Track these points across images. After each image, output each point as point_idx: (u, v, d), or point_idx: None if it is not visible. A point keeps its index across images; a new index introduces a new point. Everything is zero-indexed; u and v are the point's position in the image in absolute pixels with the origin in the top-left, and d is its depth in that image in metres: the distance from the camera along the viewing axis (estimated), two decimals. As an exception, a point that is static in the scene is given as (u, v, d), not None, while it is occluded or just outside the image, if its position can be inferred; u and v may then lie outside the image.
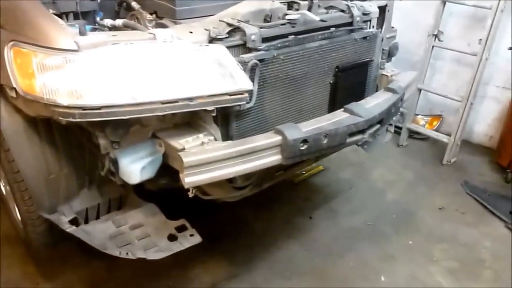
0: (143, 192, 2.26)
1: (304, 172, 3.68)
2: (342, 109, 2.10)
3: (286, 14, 2.14)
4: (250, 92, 1.85)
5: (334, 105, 2.37)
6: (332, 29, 2.26)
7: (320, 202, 3.43)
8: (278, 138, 1.84)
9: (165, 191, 2.14)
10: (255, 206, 3.24)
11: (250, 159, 1.81)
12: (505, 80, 3.96)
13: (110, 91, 1.61)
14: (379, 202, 3.47)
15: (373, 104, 2.17)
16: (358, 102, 2.15)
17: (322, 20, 2.10)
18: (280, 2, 2.17)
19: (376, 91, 2.67)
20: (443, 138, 3.98)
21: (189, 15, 2.10)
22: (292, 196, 3.47)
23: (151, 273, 2.64)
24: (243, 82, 1.80)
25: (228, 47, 1.90)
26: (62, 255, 2.66)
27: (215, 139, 1.88)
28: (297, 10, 2.21)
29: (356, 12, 2.38)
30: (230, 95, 1.79)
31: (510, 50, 3.62)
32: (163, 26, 2.09)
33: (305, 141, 1.86)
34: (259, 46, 1.95)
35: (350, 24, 2.38)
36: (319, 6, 2.33)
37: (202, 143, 1.84)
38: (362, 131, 2.07)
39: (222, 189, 2.06)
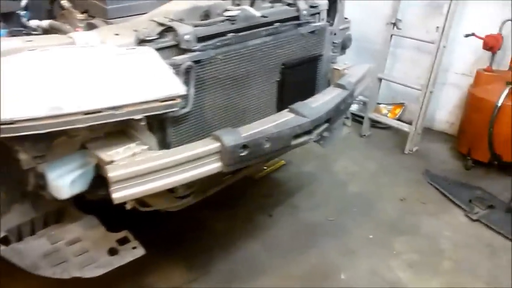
0: (85, 203, 2.11)
1: (265, 168, 3.56)
2: (287, 109, 1.97)
3: (227, 10, 1.99)
4: (183, 97, 1.70)
5: (282, 103, 2.24)
6: (277, 24, 2.12)
7: (282, 198, 3.32)
8: (216, 145, 1.71)
9: (108, 201, 1.99)
10: (215, 206, 3.11)
11: (187, 169, 1.68)
12: (464, 67, 3.89)
13: (25, 103, 1.45)
14: (341, 195, 3.38)
15: (320, 102, 2.04)
16: (304, 101, 2.02)
17: (263, 16, 1.95)
18: (219, -2, 2.01)
19: (328, 86, 2.55)
20: (404, 127, 3.91)
21: (121, 13, 1.94)
22: (253, 193, 3.36)
23: (103, 283, 2.49)
24: (175, 87, 1.65)
25: (159, 49, 1.75)
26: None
27: (149, 149, 1.73)
28: (238, 5, 2.06)
29: (302, 5, 2.24)
30: (161, 101, 1.64)
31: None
32: (93, 26, 1.92)
33: (245, 146, 1.73)
34: (194, 47, 1.80)
35: (297, 18, 2.24)
36: (263, 0, 2.18)
37: (134, 154, 1.69)
38: (308, 132, 1.94)
39: (163, 199, 1.92)
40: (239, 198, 3.27)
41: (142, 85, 1.61)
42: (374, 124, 4.21)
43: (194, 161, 1.68)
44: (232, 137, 1.72)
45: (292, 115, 1.93)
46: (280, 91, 2.23)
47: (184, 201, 2.00)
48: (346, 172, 3.66)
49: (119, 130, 1.77)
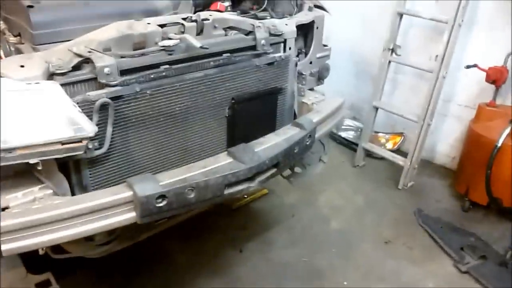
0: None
1: (245, 196, 3.29)
2: (226, 152, 1.71)
3: (165, 39, 1.75)
4: (92, 138, 1.47)
5: (234, 141, 1.98)
6: (225, 55, 1.86)
7: (256, 232, 3.06)
8: (127, 194, 1.47)
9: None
10: (183, 236, 2.88)
11: (93, 219, 1.45)
12: (467, 98, 3.52)
13: None
14: (321, 232, 3.08)
15: (268, 145, 1.78)
16: (249, 144, 1.76)
17: (203, 47, 1.70)
18: (160, 25, 1.78)
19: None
20: (399, 160, 3.56)
21: (50, 39, 1.72)
22: (228, 224, 3.10)
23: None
24: (80, 127, 1.42)
25: (75, 83, 1.53)
26: None
27: (54, 193, 1.51)
28: (182, 32, 1.82)
29: (260, 34, 1.98)
30: (63, 143, 1.41)
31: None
32: (20, 51, 1.73)
33: (163, 196, 1.48)
34: (114, 81, 1.56)
35: (253, 48, 1.98)
36: (215, 27, 1.93)
37: (34, 199, 1.47)
38: (248, 179, 1.68)
39: (80, 246, 1.70)
40: (212, 229, 3.02)
41: (39, 125, 1.39)
42: (370, 153, 3.88)
43: (102, 210, 1.45)
44: (147, 185, 1.48)
45: (229, 160, 1.67)
46: (230, 128, 1.97)
47: (106, 248, 1.76)
48: (331, 206, 3.35)
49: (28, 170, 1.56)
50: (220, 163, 1.64)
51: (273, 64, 2.03)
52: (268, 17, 2.34)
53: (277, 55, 2.04)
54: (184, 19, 1.85)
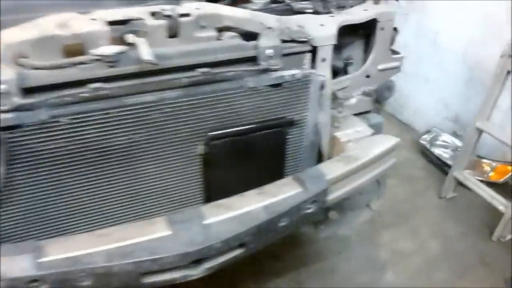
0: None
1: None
2: (163, 220, 1.14)
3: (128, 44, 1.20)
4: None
5: (214, 191, 1.39)
6: (200, 71, 1.25)
7: (287, 267, 2.45)
8: (-10, 272, 1.00)
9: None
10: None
11: None
12: None
13: None
14: (369, 283, 2.36)
15: (232, 215, 1.16)
16: (199, 210, 1.17)
17: (149, 62, 1.11)
18: (115, 21, 1.22)
19: (320, 161, 1.58)
20: (499, 204, 2.60)
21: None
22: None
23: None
24: None
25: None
26: None
27: None
28: (145, 33, 1.25)
29: (265, 40, 1.31)
30: None
31: None
32: None
33: (35, 281, 0.99)
34: (8, 105, 1.07)
35: (253, 60, 1.33)
36: (202, 26, 1.31)
37: None
38: (187, 266, 1.10)
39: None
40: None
41: None
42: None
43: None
44: (19, 262, 1.00)
45: (163, 233, 1.10)
46: (207, 170, 1.38)
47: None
48: (394, 248, 2.58)
49: None
50: (144, 238, 1.08)
51: (281, 86, 1.36)
52: (310, 10, 1.63)
53: (288, 72, 1.36)
54: (153, 13, 1.27)
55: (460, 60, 3.14)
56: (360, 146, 1.52)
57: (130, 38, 1.21)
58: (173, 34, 1.29)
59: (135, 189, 1.32)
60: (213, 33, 1.34)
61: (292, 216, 1.22)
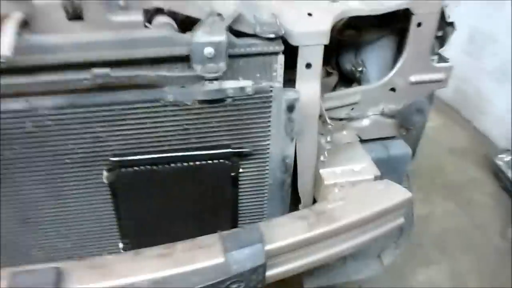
0: None
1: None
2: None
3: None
4: None
5: (127, 227, 1.02)
6: (95, 72, 0.84)
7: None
8: None
9: None
10: None
11: None
12: None
13: None
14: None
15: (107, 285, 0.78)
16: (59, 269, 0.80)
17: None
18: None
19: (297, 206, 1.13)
20: None
21: None
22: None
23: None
24: None
25: None
26: None
27: None
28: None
29: (200, 35, 0.87)
30: None
31: None
32: None
33: None
34: None
35: (181, 60, 0.90)
36: (121, 7, 0.90)
37: None
38: None
39: None
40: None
41: None
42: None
43: None
44: None
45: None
46: (116, 202, 1.00)
47: None
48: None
49: None
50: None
51: (224, 102, 0.91)
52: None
53: (233, 84, 0.90)
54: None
55: None
56: (349, 196, 1.03)
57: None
58: (71, 16, 0.89)
59: (22, 215, 0.99)
60: (137, 17, 0.92)
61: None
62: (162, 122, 0.91)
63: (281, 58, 0.97)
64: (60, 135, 0.89)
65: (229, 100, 0.91)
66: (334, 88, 1.31)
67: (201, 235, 1.05)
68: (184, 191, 1.00)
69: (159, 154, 0.94)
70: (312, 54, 0.99)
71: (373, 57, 1.23)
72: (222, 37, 0.88)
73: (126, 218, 1.02)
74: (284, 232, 0.92)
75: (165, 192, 1.00)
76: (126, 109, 0.88)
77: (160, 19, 0.94)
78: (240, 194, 1.07)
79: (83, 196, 0.99)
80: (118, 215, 1.02)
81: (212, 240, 0.89)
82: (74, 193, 0.98)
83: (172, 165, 0.95)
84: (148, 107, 0.89)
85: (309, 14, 0.98)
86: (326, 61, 1.29)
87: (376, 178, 1.09)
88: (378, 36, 1.21)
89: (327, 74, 1.31)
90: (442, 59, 1.26)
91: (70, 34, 0.87)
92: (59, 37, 0.84)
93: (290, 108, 0.94)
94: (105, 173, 0.95)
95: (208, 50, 0.88)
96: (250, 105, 0.93)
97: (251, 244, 0.86)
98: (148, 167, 0.95)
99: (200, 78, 0.89)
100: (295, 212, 1.03)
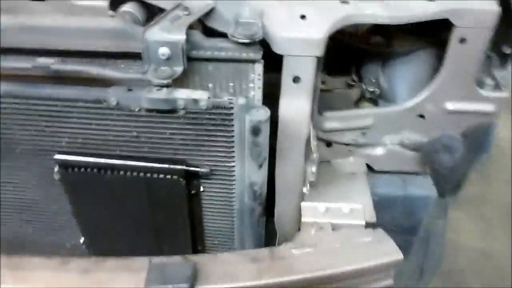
0: None
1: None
2: None
3: None
4: None
5: (79, 224, 0.95)
6: (39, 61, 0.75)
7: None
8: None
9: None
10: None
11: None
12: None
13: None
14: None
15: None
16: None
17: None
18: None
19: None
20: None
21: None
22: None
23: None
24: None
25: None
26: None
27: None
28: None
29: (157, 32, 0.73)
30: None
31: None
32: None
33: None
34: None
35: (133, 57, 0.77)
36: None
37: None
38: None
39: None
40: None
41: None
42: None
43: None
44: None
45: None
46: (70, 203, 0.92)
47: None
48: None
49: None
50: None
51: (177, 113, 0.76)
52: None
53: (185, 95, 0.74)
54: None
55: None
56: (323, 242, 0.84)
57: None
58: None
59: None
60: (101, 3, 0.80)
61: None
62: (109, 125, 0.80)
63: (258, 67, 0.79)
64: (6, 123, 0.83)
65: (181, 112, 0.76)
66: (356, 104, 1.09)
67: (159, 248, 0.96)
68: (137, 202, 0.89)
69: (106, 159, 0.83)
70: (299, 67, 0.79)
71: (403, 73, 0.99)
72: (180, 35, 0.73)
73: (80, 217, 0.95)
74: (224, 273, 0.77)
75: (117, 200, 0.90)
76: (70, 106, 0.78)
77: (127, 6, 0.81)
78: (206, 214, 0.93)
79: (38, 186, 0.93)
80: (73, 212, 0.94)
81: (141, 265, 0.78)
82: (32, 183, 0.92)
83: (121, 173, 0.84)
84: (91, 108, 0.78)
85: (302, 16, 0.78)
86: (347, 70, 1.08)
87: (368, 225, 0.88)
88: (412, 48, 0.96)
89: (348, 86, 1.09)
90: (498, 85, 0.97)
91: (24, 15, 0.78)
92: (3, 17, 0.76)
93: (255, 131, 0.76)
94: (55, 169, 0.87)
95: (162, 51, 0.74)
96: (207, 120, 0.77)
97: (176, 282, 0.73)
98: (96, 171, 0.85)
99: (148, 83, 0.75)
100: (252, 251, 0.86)
